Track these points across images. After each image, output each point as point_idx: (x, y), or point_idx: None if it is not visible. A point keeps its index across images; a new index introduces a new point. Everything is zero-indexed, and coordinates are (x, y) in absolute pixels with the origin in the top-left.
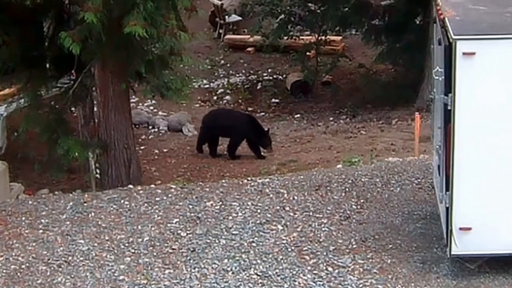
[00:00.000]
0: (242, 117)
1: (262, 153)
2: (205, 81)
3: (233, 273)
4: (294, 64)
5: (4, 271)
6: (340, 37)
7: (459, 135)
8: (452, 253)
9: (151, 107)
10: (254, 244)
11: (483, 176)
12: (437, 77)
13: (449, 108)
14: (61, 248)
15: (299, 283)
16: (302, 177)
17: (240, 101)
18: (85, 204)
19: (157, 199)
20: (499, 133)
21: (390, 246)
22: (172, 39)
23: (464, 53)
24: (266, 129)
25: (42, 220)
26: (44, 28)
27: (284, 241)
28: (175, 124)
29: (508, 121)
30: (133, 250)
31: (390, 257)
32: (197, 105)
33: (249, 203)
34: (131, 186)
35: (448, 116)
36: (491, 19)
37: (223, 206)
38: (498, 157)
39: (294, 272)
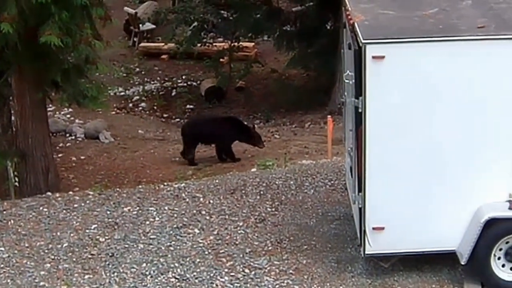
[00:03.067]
0: (226, 122)
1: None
2: (120, 89)
3: (151, 276)
4: (208, 71)
5: None
6: (253, 43)
7: (370, 137)
8: (366, 252)
9: (68, 115)
10: (171, 248)
11: (394, 177)
12: (347, 81)
13: (360, 111)
14: None
15: (217, 285)
16: (217, 181)
17: (155, 107)
18: (4, 212)
19: (75, 205)
20: (409, 134)
21: (305, 247)
22: (87, 48)
23: (373, 57)
24: (251, 126)
25: None
26: None
27: (201, 244)
28: (91, 131)
29: (417, 123)
30: (52, 256)
31: (306, 257)
32: (113, 112)
33: (166, 208)
34: (49, 193)
35: (359, 119)
36: (400, 23)
37: (140, 211)
38: (407, 158)
39: (212, 275)
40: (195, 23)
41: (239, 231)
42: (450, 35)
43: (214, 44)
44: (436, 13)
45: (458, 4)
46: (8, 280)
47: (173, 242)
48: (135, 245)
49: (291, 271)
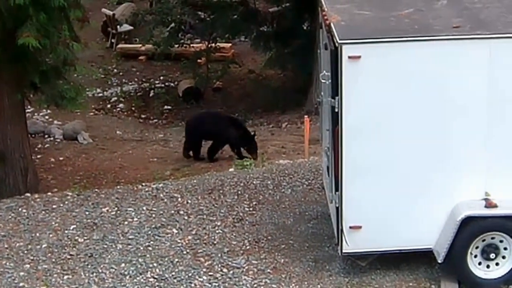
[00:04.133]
0: (228, 121)
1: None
2: (98, 90)
3: (130, 276)
4: (186, 71)
5: None
6: (230, 44)
7: (346, 136)
8: (344, 251)
9: (47, 117)
10: (150, 248)
11: (370, 176)
12: (324, 81)
13: (336, 110)
14: None
15: (195, 285)
16: (195, 181)
17: (133, 108)
18: None
19: (54, 206)
20: (386, 134)
21: (283, 246)
22: (65, 49)
23: (349, 57)
24: (252, 133)
25: None
26: None
27: (180, 244)
28: (70, 132)
29: (393, 123)
30: (32, 257)
31: (283, 256)
32: (92, 113)
33: (144, 208)
34: (28, 194)
35: (336, 119)
36: (376, 23)
37: (118, 212)
38: (383, 157)
39: (190, 274)
40: (173, 24)
41: (217, 231)
42: (425, 35)
43: (191, 45)
44: (412, 13)
45: (434, 4)
46: None
47: (151, 242)
48: (113, 245)
49: (269, 270)
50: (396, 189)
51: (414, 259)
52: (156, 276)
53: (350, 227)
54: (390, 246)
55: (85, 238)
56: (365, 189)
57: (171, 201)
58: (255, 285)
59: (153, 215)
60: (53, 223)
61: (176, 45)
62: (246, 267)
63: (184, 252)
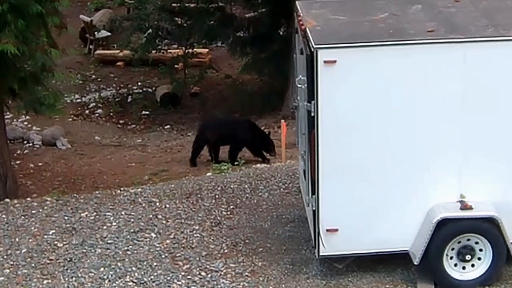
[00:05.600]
0: (243, 124)
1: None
2: (77, 96)
3: (109, 281)
4: (163, 77)
5: None
6: (207, 50)
7: (322, 140)
8: (321, 254)
9: (25, 123)
10: (129, 252)
11: (347, 179)
12: (300, 85)
13: (312, 115)
14: None
15: None
16: (173, 185)
17: (111, 114)
18: None
19: (33, 211)
20: (361, 137)
21: (261, 249)
22: (43, 55)
23: (325, 61)
24: (267, 132)
25: None
26: None
27: (158, 248)
28: (49, 138)
29: (368, 126)
30: (11, 262)
31: (261, 260)
32: (70, 119)
33: (123, 213)
34: (7, 200)
35: (312, 123)
36: (351, 28)
37: (97, 217)
38: (359, 160)
39: (169, 278)
40: (150, 30)
41: (195, 235)
42: (400, 39)
43: (168, 50)
44: (386, 18)
45: (408, 9)
46: None
47: (130, 247)
48: (92, 250)
49: (246, 273)
50: (372, 192)
51: (391, 261)
52: (135, 280)
53: (327, 230)
54: (366, 248)
55: (64, 242)
56: (341, 193)
57: (149, 205)
58: None
59: (132, 220)
60: (33, 228)
61: (154, 51)
62: (224, 271)
63: (163, 256)
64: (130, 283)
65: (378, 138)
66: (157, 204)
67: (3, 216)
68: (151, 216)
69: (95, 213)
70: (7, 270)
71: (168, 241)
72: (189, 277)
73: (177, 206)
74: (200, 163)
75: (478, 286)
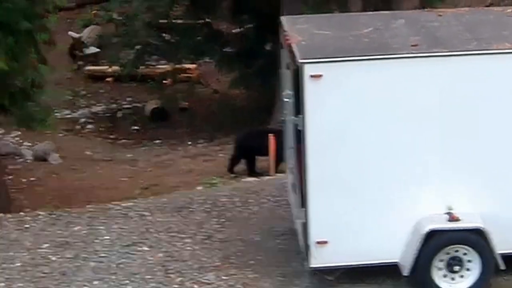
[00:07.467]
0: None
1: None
2: (67, 111)
3: None
4: (152, 92)
5: None
6: (195, 65)
7: (310, 153)
8: (311, 266)
9: (17, 138)
10: (122, 265)
11: (335, 192)
12: (287, 100)
13: (299, 128)
14: None
15: None
16: (164, 199)
17: (102, 129)
18: None
19: (26, 226)
20: (348, 150)
21: (252, 262)
22: (33, 72)
23: (311, 76)
24: None
25: None
26: None
27: (151, 261)
28: (40, 153)
29: (355, 139)
30: (6, 276)
31: (252, 272)
32: (61, 134)
33: (115, 227)
34: (1, 214)
35: (299, 137)
36: (336, 42)
37: (90, 230)
38: (348, 173)
39: None
40: (139, 46)
41: (187, 248)
42: (384, 53)
43: (157, 66)
44: (371, 32)
45: (392, 24)
46: None
47: (123, 260)
48: (86, 263)
49: (238, 286)
50: (360, 204)
51: (380, 273)
52: None
53: (317, 242)
54: (356, 260)
55: (58, 256)
56: (330, 205)
57: (141, 219)
58: None
59: (124, 233)
60: (26, 242)
61: (143, 67)
62: (217, 283)
63: (155, 269)
64: None
65: (365, 151)
66: (149, 217)
67: None
68: (143, 229)
69: (88, 227)
70: (2, 284)
71: (160, 254)
72: None
73: (168, 220)
74: (190, 177)
75: None
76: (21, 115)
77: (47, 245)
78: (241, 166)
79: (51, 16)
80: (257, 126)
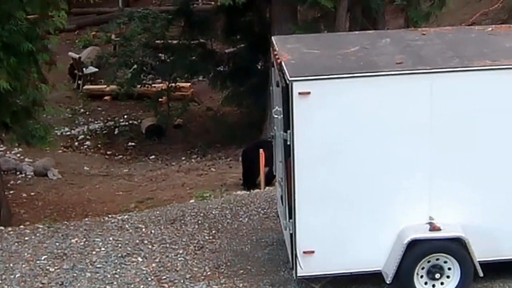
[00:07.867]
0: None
1: None
2: (66, 129)
3: None
4: (148, 110)
5: None
6: (189, 84)
7: (298, 167)
8: (298, 275)
9: (18, 154)
10: (117, 276)
11: (322, 204)
12: (276, 116)
13: (288, 143)
14: None
15: None
16: (158, 212)
17: (99, 145)
18: None
19: (26, 238)
20: (334, 164)
21: (241, 271)
22: (34, 91)
23: (300, 93)
24: None
25: None
26: None
27: (144, 272)
28: (40, 169)
29: (341, 153)
30: (6, 286)
31: (242, 281)
32: (60, 151)
33: (111, 238)
34: (2, 227)
35: (288, 151)
36: (324, 61)
37: (87, 242)
38: (333, 186)
39: None
40: (135, 66)
41: (179, 258)
42: (370, 71)
43: (153, 85)
44: (357, 51)
45: (378, 42)
46: None
47: (118, 270)
48: (83, 274)
49: None
50: (346, 215)
51: (365, 281)
52: None
53: (304, 252)
54: (341, 269)
55: (56, 267)
56: (317, 216)
57: (136, 231)
58: None
59: (119, 245)
60: (26, 254)
61: (139, 85)
62: None
63: (149, 279)
64: None
65: (350, 165)
66: (143, 230)
67: None
68: (137, 241)
69: (84, 239)
70: None
71: (154, 265)
72: None
73: (162, 232)
74: (184, 191)
75: None
76: (22, 132)
77: (45, 256)
78: (232, 180)
79: (52, 38)
80: (248, 142)
